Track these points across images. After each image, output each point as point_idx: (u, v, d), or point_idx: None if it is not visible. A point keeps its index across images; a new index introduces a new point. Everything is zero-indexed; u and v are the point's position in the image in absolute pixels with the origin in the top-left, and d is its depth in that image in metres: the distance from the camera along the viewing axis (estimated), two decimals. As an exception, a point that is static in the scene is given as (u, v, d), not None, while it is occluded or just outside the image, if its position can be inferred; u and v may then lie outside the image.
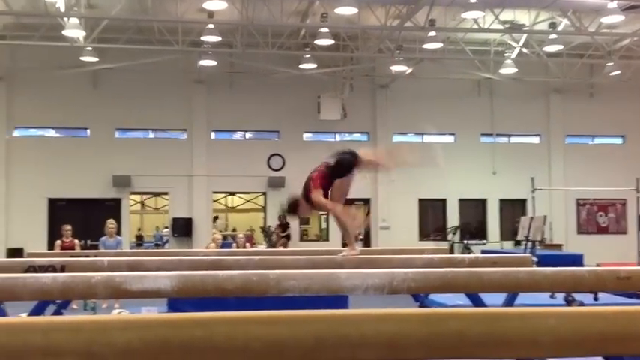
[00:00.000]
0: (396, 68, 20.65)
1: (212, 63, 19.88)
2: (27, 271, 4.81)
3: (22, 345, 1.84)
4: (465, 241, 22.00)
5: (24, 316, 4.56)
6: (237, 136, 22.85)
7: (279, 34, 18.98)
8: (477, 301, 5.38)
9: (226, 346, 1.99)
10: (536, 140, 23.80)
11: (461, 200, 23.09)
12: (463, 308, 2.33)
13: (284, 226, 21.28)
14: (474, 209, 23.53)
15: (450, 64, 21.37)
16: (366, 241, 22.78)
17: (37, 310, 4.90)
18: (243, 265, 5.25)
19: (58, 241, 13.19)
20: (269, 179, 22.09)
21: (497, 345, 2.19)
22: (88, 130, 21.66)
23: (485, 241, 22.42)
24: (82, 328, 1.90)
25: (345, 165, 5.92)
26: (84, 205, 20.79)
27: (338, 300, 8.02)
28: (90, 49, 18.62)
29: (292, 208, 6.19)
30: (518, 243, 18.99)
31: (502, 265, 5.17)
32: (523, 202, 22.15)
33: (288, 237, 21.22)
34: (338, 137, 23.10)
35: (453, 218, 23.08)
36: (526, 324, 2.23)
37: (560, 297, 11.07)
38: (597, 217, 23.79)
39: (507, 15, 17.58)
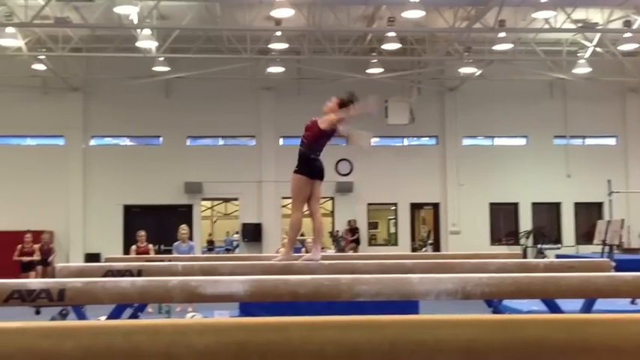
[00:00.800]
0: (464, 70, 20.39)
1: (280, 70, 20.07)
2: (105, 275, 4.94)
3: (104, 347, 1.88)
4: (539, 246, 21.49)
5: (103, 320, 4.69)
6: (306, 141, 22.94)
7: (346, 40, 19.00)
8: (553, 308, 5.25)
9: (302, 350, 1.99)
10: (612, 141, 23.08)
11: (534, 204, 22.59)
12: (543, 315, 2.27)
13: (353, 230, 21.27)
14: (547, 213, 22.99)
15: (521, 65, 20.94)
16: (436, 245, 22.55)
17: (116, 314, 5.01)
18: (313, 269, 5.26)
19: (134, 247, 13.56)
20: (337, 184, 22.11)
21: (579, 352, 2.12)
22: (161, 138, 22.19)
23: (559, 245, 21.84)
24: (161, 331, 1.93)
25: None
26: (157, 211, 21.29)
27: (408, 305, 7.94)
28: (162, 59, 19.08)
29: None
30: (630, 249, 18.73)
31: (579, 270, 5.03)
32: (599, 205, 21.50)
33: (357, 241, 21.20)
34: (406, 141, 22.97)
35: (525, 222, 22.60)
36: (609, 331, 2.16)
37: (640, 303, 10.69)
38: (678, 220, 22.85)
39: (580, 14, 17.11)
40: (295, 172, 5.79)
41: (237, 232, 24.06)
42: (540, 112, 22.38)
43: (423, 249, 22.26)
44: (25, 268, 14.81)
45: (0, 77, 19.85)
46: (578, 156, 22.53)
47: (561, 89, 22.46)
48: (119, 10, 14.94)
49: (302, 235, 24.04)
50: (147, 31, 16.54)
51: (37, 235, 15.98)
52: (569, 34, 19.08)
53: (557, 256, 17.16)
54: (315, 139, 5.81)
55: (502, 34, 17.48)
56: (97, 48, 19.41)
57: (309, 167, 5.79)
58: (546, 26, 17.04)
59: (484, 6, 15.45)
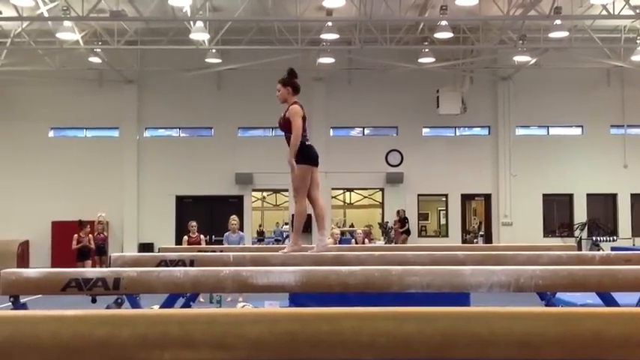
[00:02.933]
0: (518, 59, 20.02)
1: (330, 60, 20.05)
2: (159, 265, 5.03)
3: (160, 335, 1.92)
4: (594, 238, 21.04)
5: (157, 308, 4.77)
6: (356, 132, 22.94)
7: (398, 29, 18.85)
8: (609, 301, 5.13)
9: (353, 340, 1.99)
10: (672, 131, 22.44)
11: (589, 195, 22.11)
12: (600, 308, 2.22)
13: (402, 221, 21.17)
14: (602, 204, 22.48)
15: (577, 53, 20.45)
16: (487, 237, 22.29)
17: (168, 303, 5.09)
18: (363, 260, 5.25)
19: (185, 237, 13.75)
20: (387, 175, 22.03)
21: (637, 346, 2.07)
22: (212, 129, 22.43)
23: (615, 237, 21.34)
24: (215, 320, 1.96)
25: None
26: (209, 201, 21.55)
27: (459, 298, 7.85)
28: (214, 51, 19.26)
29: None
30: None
31: (637, 262, 4.90)
32: (658, 196, 20.97)
33: (407, 232, 21.10)
34: (457, 132, 22.72)
35: (580, 214, 22.14)
36: (669, 325, 2.10)
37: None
38: None
39: (639, -1, 16.63)
40: (295, 162, 5.82)
41: (286, 223, 24.19)
42: (596, 101, 21.86)
43: (474, 240, 22.04)
44: (81, 257, 15.15)
45: (58, 70, 20.32)
46: (635, 146, 21.95)
47: (619, 77, 21.89)
48: (173, 2, 15.14)
49: (352, 226, 24.08)
50: (199, 24, 16.71)
51: (91, 224, 16.30)
52: (627, 20, 18.54)
53: (613, 249, 16.79)
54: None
55: (558, 22, 17.09)
56: (151, 41, 19.69)
57: (309, 155, 5.85)
58: (604, 13, 16.58)
59: (539, -7, 15.13)
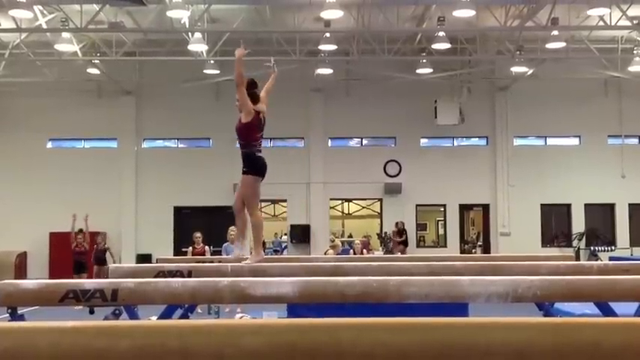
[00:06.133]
0: (516, 70, 20.08)
1: (329, 71, 20.08)
2: (157, 276, 5.02)
3: (158, 347, 1.92)
4: (592, 248, 21.04)
5: (154, 320, 4.76)
6: (354, 142, 22.96)
7: (395, 40, 18.90)
8: (607, 311, 5.13)
9: (352, 351, 1.99)
10: (669, 141, 22.49)
11: (587, 205, 22.12)
12: (598, 318, 2.23)
13: (400, 232, 21.16)
14: (600, 214, 22.48)
15: (575, 64, 20.52)
16: (486, 247, 22.28)
17: (166, 314, 5.08)
18: (362, 271, 5.25)
19: (190, 248, 13.69)
20: (385, 185, 22.04)
21: (636, 356, 2.07)
22: (211, 140, 22.44)
23: (613, 247, 21.35)
24: (215, 331, 1.96)
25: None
26: (207, 212, 21.50)
27: (458, 308, 7.84)
28: (212, 61, 19.29)
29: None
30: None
31: (635, 272, 4.91)
32: (656, 206, 20.98)
33: (405, 243, 21.07)
34: (455, 142, 22.75)
35: (578, 224, 22.14)
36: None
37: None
38: None
39: (635, 10, 16.67)
40: (245, 173, 5.87)
41: (285, 234, 24.17)
42: (594, 111, 21.92)
43: (473, 251, 22.02)
44: (78, 269, 15.11)
45: (56, 82, 20.34)
46: (633, 156, 21.99)
47: (616, 88, 21.96)
48: (171, 14, 15.19)
49: (350, 236, 24.06)
50: (198, 35, 16.76)
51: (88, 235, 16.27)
52: (624, 31, 18.61)
53: (611, 259, 16.79)
54: (247, 135, 5.83)
55: (555, 32, 17.16)
56: (150, 52, 19.72)
57: (258, 165, 5.87)
58: (601, 23, 16.65)
59: (536, 4, 15.19)
